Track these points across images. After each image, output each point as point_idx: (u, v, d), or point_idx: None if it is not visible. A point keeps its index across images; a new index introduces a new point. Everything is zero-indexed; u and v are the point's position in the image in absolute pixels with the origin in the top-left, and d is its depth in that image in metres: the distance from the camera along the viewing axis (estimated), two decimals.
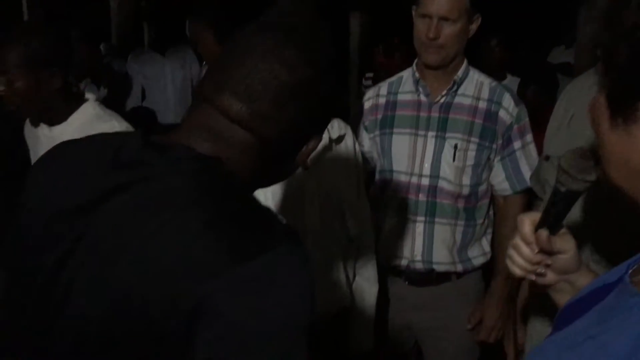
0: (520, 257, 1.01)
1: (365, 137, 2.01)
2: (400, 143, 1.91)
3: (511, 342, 1.82)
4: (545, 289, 1.02)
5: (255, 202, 0.82)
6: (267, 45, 0.84)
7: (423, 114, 1.90)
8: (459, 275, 1.94)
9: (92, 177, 0.82)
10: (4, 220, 1.00)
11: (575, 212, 1.11)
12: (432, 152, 1.87)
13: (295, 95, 0.84)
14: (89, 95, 1.85)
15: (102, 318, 0.76)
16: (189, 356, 0.71)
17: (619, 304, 0.66)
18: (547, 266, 1.00)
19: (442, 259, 1.90)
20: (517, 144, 1.89)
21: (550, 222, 0.98)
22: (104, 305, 0.75)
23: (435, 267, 1.91)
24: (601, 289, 0.72)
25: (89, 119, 1.77)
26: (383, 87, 2.01)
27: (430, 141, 1.88)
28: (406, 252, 1.92)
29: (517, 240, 1.01)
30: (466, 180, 1.87)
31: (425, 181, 1.88)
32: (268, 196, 1.64)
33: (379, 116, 1.97)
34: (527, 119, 1.91)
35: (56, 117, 1.79)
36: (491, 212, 1.99)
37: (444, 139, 1.86)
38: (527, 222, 1.00)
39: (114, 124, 1.76)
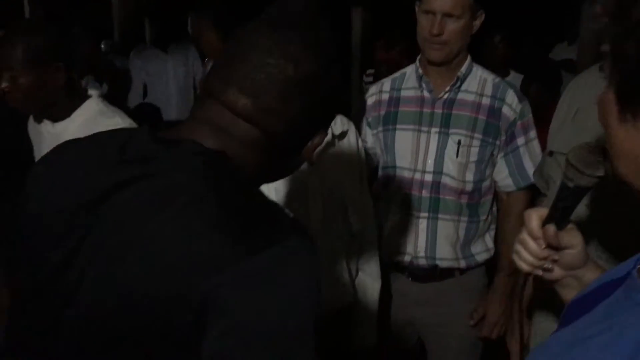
0: (528, 253, 1.01)
1: (368, 133, 2.01)
2: (404, 139, 1.91)
3: (514, 338, 1.82)
4: (551, 284, 1.02)
5: (262, 196, 0.83)
6: (272, 40, 0.84)
7: (426, 110, 1.90)
8: (462, 271, 1.94)
9: (98, 174, 0.83)
10: (8, 217, 1.00)
11: (582, 208, 1.11)
12: (435, 148, 1.87)
13: (301, 90, 0.84)
14: (92, 92, 1.85)
15: (108, 315, 0.76)
16: (196, 351, 0.71)
17: (626, 300, 0.66)
18: (554, 261, 1.00)
19: (445, 255, 1.91)
20: (520, 140, 1.89)
21: (558, 217, 0.98)
22: (111, 302, 0.75)
23: (438, 263, 1.91)
24: (608, 285, 0.72)
25: (93, 116, 1.77)
26: (386, 83, 2.01)
27: (434, 137, 1.87)
28: (409, 248, 1.92)
29: (524, 236, 1.01)
30: (469, 176, 1.87)
31: (428, 177, 1.88)
32: (271, 192, 1.64)
33: (382, 112, 1.97)
34: (530, 115, 1.90)
35: (59, 114, 1.78)
36: (494, 209, 1.99)
37: (447, 135, 1.86)
38: (535, 217, 1.00)
39: (118, 121, 1.76)
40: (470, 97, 1.88)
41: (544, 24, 5.58)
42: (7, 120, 1.96)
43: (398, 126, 1.93)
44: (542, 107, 2.68)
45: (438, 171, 1.87)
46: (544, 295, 1.41)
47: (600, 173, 0.92)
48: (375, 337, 1.92)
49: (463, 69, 1.88)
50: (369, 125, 2.01)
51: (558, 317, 1.35)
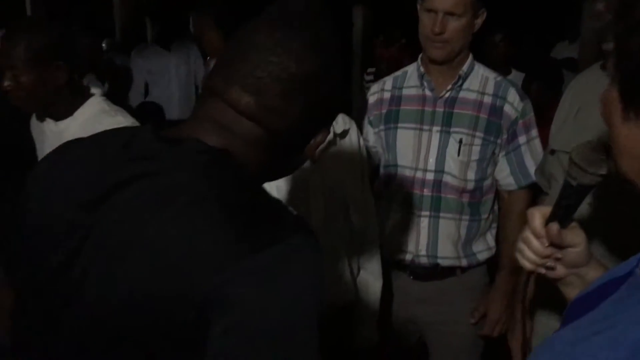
0: (531, 251, 1.01)
1: (370, 131, 2.01)
2: (405, 138, 1.91)
3: (515, 336, 1.82)
4: (554, 282, 1.03)
5: (266, 194, 0.83)
6: (274, 38, 0.84)
7: (428, 109, 1.90)
8: (463, 269, 1.94)
9: (100, 172, 0.82)
10: (8, 217, 1.00)
11: (585, 206, 1.11)
12: (437, 146, 1.87)
13: (304, 88, 0.84)
14: (94, 91, 1.85)
15: (110, 314, 0.76)
16: (198, 351, 0.71)
17: (629, 297, 0.66)
18: (557, 260, 1.00)
19: (446, 254, 1.91)
20: (522, 139, 1.89)
21: (561, 215, 0.98)
22: (113, 301, 0.75)
23: (439, 261, 1.91)
24: (611, 283, 0.72)
25: (95, 114, 1.77)
26: (388, 82, 2.01)
27: (435, 136, 1.88)
28: (411, 246, 1.92)
29: (528, 234, 1.01)
30: (471, 175, 1.87)
31: (430, 176, 1.88)
32: (273, 190, 1.65)
33: (384, 111, 1.97)
34: (532, 114, 1.91)
35: (62, 112, 1.79)
36: (496, 207, 1.99)
37: (448, 133, 1.86)
38: (538, 215, 1.00)
39: (120, 119, 1.76)
40: (472, 96, 1.88)
41: (545, 22, 5.58)
42: (10, 118, 1.96)
43: (400, 125, 1.93)
44: (544, 105, 2.69)
45: (439, 170, 1.87)
46: (545, 293, 1.41)
47: (604, 171, 0.92)
48: (376, 335, 1.93)
49: (465, 67, 1.88)
50: (370, 123, 2.01)
51: (559, 315, 1.35)
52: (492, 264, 2.00)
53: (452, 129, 1.86)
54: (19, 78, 1.68)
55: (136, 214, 0.77)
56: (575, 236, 0.98)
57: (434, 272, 1.93)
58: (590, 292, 0.77)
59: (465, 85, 1.88)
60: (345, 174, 1.81)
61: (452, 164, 1.86)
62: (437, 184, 1.88)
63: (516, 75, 3.57)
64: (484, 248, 1.96)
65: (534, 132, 1.91)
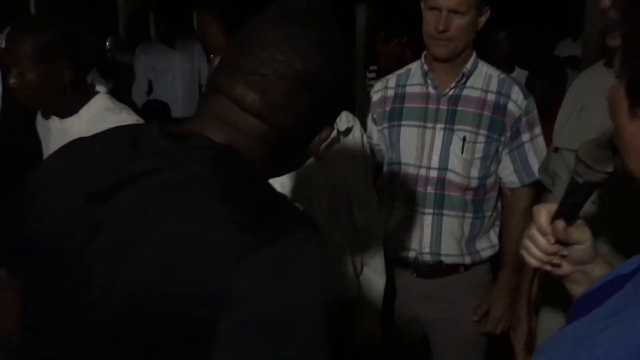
0: (536, 248, 1.01)
1: (373, 129, 2.01)
2: (409, 135, 1.92)
3: (518, 334, 1.82)
4: (560, 279, 1.03)
5: (271, 189, 0.83)
6: (279, 35, 0.84)
7: (431, 106, 1.90)
8: (467, 267, 1.95)
9: (107, 169, 0.83)
10: (15, 214, 1.01)
11: (590, 203, 1.11)
12: (440, 144, 1.88)
13: (309, 85, 0.85)
14: (99, 88, 1.86)
15: (118, 311, 0.76)
16: (206, 346, 0.71)
17: (635, 295, 0.66)
18: (563, 257, 1.00)
19: (450, 251, 1.91)
20: (525, 137, 1.89)
21: (567, 213, 0.99)
22: (120, 298, 0.76)
23: (443, 259, 1.92)
24: (617, 280, 0.72)
25: (100, 112, 1.78)
26: (391, 80, 2.01)
27: (439, 133, 1.88)
28: (414, 244, 1.93)
29: (533, 231, 1.02)
30: (474, 172, 1.88)
31: (433, 173, 1.88)
32: (277, 186, 1.64)
33: (387, 108, 1.97)
34: (535, 112, 1.91)
35: (67, 110, 1.79)
36: (499, 205, 1.99)
37: (452, 131, 1.87)
38: (544, 212, 1.01)
39: (124, 117, 1.76)
40: (476, 94, 1.88)
41: (549, 20, 5.57)
42: (16, 116, 1.97)
43: (403, 122, 1.93)
44: (547, 103, 2.68)
45: (443, 167, 1.87)
46: (549, 290, 1.41)
47: (610, 169, 0.93)
48: (379, 332, 1.93)
49: (468, 65, 1.88)
50: (374, 121, 2.01)
51: (563, 313, 1.36)
52: (495, 262, 2.00)
53: (455, 127, 1.86)
54: (25, 76, 1.68)
55: (142, 210, 0.77)
56: (581, 233, 0.99)
57: (438, 269, 1.93)
58: (596, 289, 0.78)
59: (468, 83, 1.89)
60: (348, 171, 1.81)
61: (455, 162, 1.87)
62: (441, 182, 1.88)
63: (520, 73, 3.56)
64: (487, 246, 1.96)
65: (538, 129, 1.91)
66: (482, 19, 1.85)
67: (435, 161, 1.88)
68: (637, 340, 0.59)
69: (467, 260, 1.93)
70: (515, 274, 1.88)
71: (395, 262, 1.98)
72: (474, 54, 1.90)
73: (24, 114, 1.93)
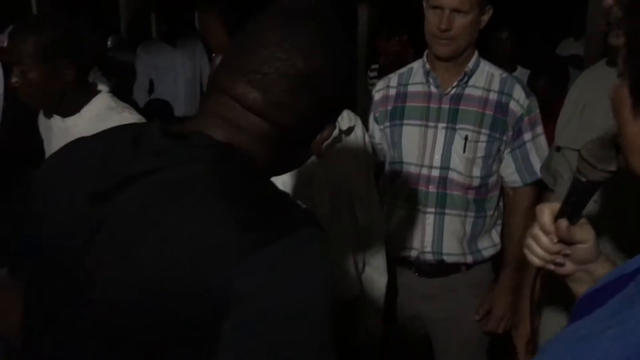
0: (539, 247, 1.01)
1: (375, 128, 2.01)
2: (411, 134, 1.92)
3: (519, 333, 1.82)
4: (563, 278, 1.03)
5: (274, 188, 0.83)
6: (281, 34, 0.84)
7: (433, 105, 1.90)
8: (468, 266, 1.95)
9: (109, 168, 0.83)
10: (17, 212, 1.01)
11: (593, 203, 1.11)
12: (442, 143, 1.88)
13: (311, 84, 0.85)
14: (101, 87, 1.86)
15: (121, 311, 0.76)
16: (208, 345, 0.71)
17: (638, 294, 0.66)
18: (566, 256, 1.00)
19: (452, 250, 1.91)
20: (527, 136, 1.89)
21: (570, 212, 0.99)
22: (125, 294, 0.76)
23: (445, 258, 1.92)
24: (620, 279, 0.72)
25: (102, 111, 1.78)
26: (393, 79, 2.01)
27: (441, 132, 1.88)
28: (416, 243, 1.93)
29: (536, 230, 1.02)
30: (476, 171, 1.88)
31: (435, 172, 1.88)
32: (278, 186, 1.65)
33: (389, 107, 1.97)
34: (537, 111, 1.91)
35: (69, 109, 1.79)
36: (501, 204, 1.99)
37: (454, 130, 1.87)
38: (547, 212, 1.01)
39: (127, 116, 1.77)
40: (478, 93, 1.88)
41: (551, 19, 5.56)
42: (18, 115, 1.97)
43: (405, 121, 1.93)
44: (549, 102, 2.68)
45: (445, 166, 1.87)
46: (551, 290, 1.41)
47: (613, 168, 0.92)
48: (381, 331, 1.93)
49: (470, 64, 1.88)
50: (376, 120, 2.01)
51: (566, 312, 1.35)
52: (497, 261, 2.00)
53: (457, 126, 1.86)
54: (27, 74, 1.68)
55: (144, 210, 0.77)
56: (584, 232, 0.99)
57: (439, 268, 1.93)
58: (599, 289, 0.77)
59: (470, 82, 1.89)
60: (350, 170, 1.81)
61: (457, 161, 1.87)
62: (443, 181, 1.88)
63: (521, 72, 3.56)
64: (489, 245, 1.96)
65: (540, 128, 1.91)
66: (485, 18, 1.85)
67: (437, 160, 1.88)
68: (639, 340, 0.59)
69: (469, 259, 1.93)
70: (517, 273, 1.88)
71: (397, 261, 1.98)
72: (476, 53, 1.90)
73: (25, 113, 1.93)
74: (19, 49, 1.68)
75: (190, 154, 0.80)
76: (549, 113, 2.08)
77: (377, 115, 2.01)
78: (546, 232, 1.01)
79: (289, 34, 0.84)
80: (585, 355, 0.63)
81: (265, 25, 0.86)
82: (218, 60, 0.91)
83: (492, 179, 1.92)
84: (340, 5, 1.17)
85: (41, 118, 1.94)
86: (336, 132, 1.73)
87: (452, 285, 1.95)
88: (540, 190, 1.87)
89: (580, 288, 0.97)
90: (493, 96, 1.87)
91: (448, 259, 1.92)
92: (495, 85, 1.88)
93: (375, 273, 1.89)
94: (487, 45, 3.35)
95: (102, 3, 6.28)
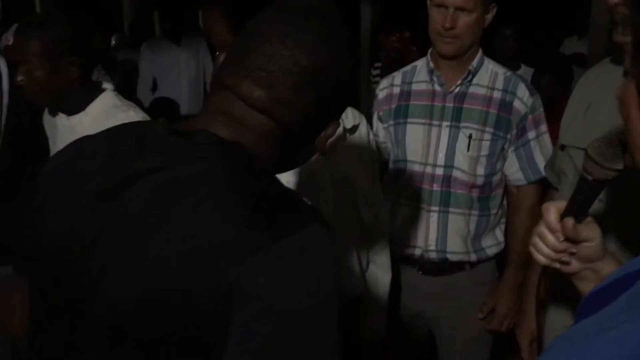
0: (545, 246, 1.01)
1: (379, 127, 2.01)
2: (415, 133, 1.92)
3: (523, 331, 1.82)
4: (569, 277, 1.03)
5: (280, 185, 0.83)
6: (285, 31, 0.84)
7: (437, 104, 1.90)
8: (472, 264, 1.95)
9: (115, 165, 0.83)
10: (23, 210, 1.01)
11: (599, 201, 1.11)
12: (446, 141, 1.88)
13: (315, 81, 0.85)
14: (106, 85, 1.86)
15: (130, 305, 0.76)
16: (219, 340, 0.71)
17: None
18: (572, 254, 1.00)
19: (456, 249, 1.91)
20: (531, 134, 1.89)
21: (576, 210, 0.99)
22: (132, 293, 0.76)
23: (449, 256, 1.92)
24: (626, 277, 0.72)
25: (107, 109, 1.78)
26: (397, 77, 2.01)
27: (445, 131, 1.88)
28: (420, 241, 1.93)
29: (542, 229, 1.02)
30: (480, 170, 1.88)
31: (439, 171, 1.88)
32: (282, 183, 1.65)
33: (393, 106, 1.97)
34: (541, 109, 1.91)
35: (74, 107, 1.80)
36: (505, 202, 1.99)
37: (458, 128, 1.87)
38: (553, 210, 1.01)
39: (132, 114, 1.77)
40: (482, 91, 1.88)
41: (555, 17, 5.55)
42: (23, 112, 1.97)
43: (409, 120, 1.93)
44: (553, 100, 2.68)
45: (449, 165, 1.87)
46: (556, 288, 1.41)
47: (620, 166, 0.92)
48: (385, 328, 1.93)
49: (474, 62, 1.88)
50: (380, 119, 2.01)
51: (571, 310, 1.35)
52: (501, 259, 2.00)
53: (461, 124, 1.86)
54: (33, 73, 1.69)
55: (153, 207, 0.77)
56: (590, 231, 0.99)
57: (443, 267, 1.93)
58: (605, 287, 0.77)
59: (474, 81, 1.89)
60: (355, 168, 1.81)
61: (461, 159, 1.87)
62: (447, 179, 1.88)
63: (525, 71, 3.56)
64: (493, 243, 1.96)
65: (544, 127, 1.91)
66: (489, 17, 1.85)
67: (441, 159, 1.88)
68: None
69: (473, 257, 1.93)
70: (520, 271, 1.89)
71: (401, 260, 1.98)
72: (480, 51, 1.90)
73: (31, 111, 1.94)
74: (24, 48, 1.69)
75: (196, 151, 0.81)
76: (553, 111, 2.08)
77: (381, 113, 2.01)
78: (552, 231, 1.01)
79: (293, 31, 0.84)
80: (593, 353, 0.63)
81: (269, 23, 0.86)
82: (221, 58, 0.91)
83: (496, 178, 1.92)
84: (343, 2, 1.18)
85: (46, 116, 1.95)
86: (340, 130, 1.73)
87: (456, 284, 1.95)
88: (544, 188, 1.87)
89: (586, 286, 0.97)
90: (497, 94, 1.87)
91: (452, 257, 1.92)
92: (499, 84, 1.88)
93: (379, 271, 1.90)
94: (491, 43, 3.35)
95: (105, 2, 6.29)
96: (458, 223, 1.90)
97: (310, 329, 0.73)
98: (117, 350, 0.79)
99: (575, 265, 1.01)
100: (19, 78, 1.70)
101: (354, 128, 1.80)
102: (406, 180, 1.94)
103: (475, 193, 1.89)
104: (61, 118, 1.84)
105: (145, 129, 0.87)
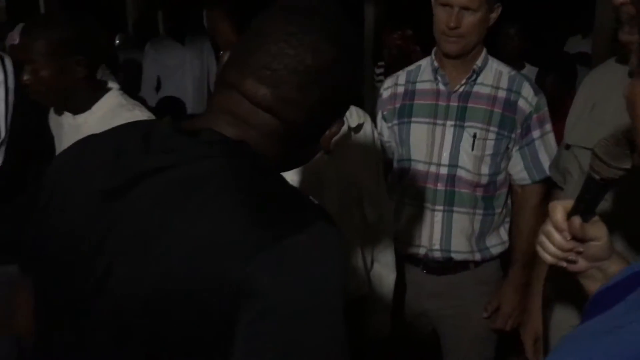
0: (552, 244, 1.01)
1: (384, 126, 2.01)
2: (419, 132, 1.92)
3: (527, 330, 1.82)
4: (575, 276, 1.03)
5: (286, 183, 0.83)
6: (290, 30, 0.84)
7: (442, 103, 1.90)
8: (477, 264, 1.95)
9: (121, 165, 0.83)
10: (28, 209, 1.01)
11: (604, 200, 1.11)
12: (450, 141, 1.88)
13: (320, 79, 0.85)
14: (112, 85, 1.87)
15: (137, 305, 0.76)
16: (226, 339, 0.71)
17: None
18: (579, 253, 1.00)
19: (460, 248, 1.91)
20: (536, 133, 1.89)
21: (583, 209, 0.99)
22: (139, 292, 0.76)
23: (453, 255, 1.92)
24: (634, 276, 0.72)
25: (113, 108, 1.79)
26: (401, 76, 2.01)
27: (449, 130, 1.88)
28: (424, 240, 1.93)
29: (549, 228, 1.02)
30: (485, 169, 1.88)
31: (443, 170, 1.88)
32: None
33: (397, 105, 1.97)
34: (546, 108, 1.90)
35: (80, 106, 1.80)
36: (509, 201, 1.99)
37: (462, 128, 1.87)
38: (560, 209, 1.01)
39: (137, 113, 1.77)
40: (486, 90, 1.88)
41: (559, 16, 5.54)
42: (29, 112, 1.98)
43: (413, 119, 1.93)
44: (558, 100, 2.68)
45: (453, 164, 1.87)
46: (561, 287, 1.41)
47: (627, 165, 0.92)
48: (389, 327, 1.94)
49: (479, 61, 1.88)
50: (384, 118, 2.01)
51: (575, 310, 1.35)
52: (505, 258, 2.00)
53: (466, 124, 1.86)
54: (39, 72, 1.69)
55: (156, 207, 0.77)
56: (597, 230, 0.99)
57: (448, 266, 1.93)
58: (611, 286, 0.77)
59: (479, 80, 1.88)
60: (359, 167, 1.81)
61: (466, 159, 1.87)
62: (451, 179, 1.88)
63: (529, 70, 3.55)
64: (497, 242, 1.96)
65: (548, 126, 1.90)
66: (494, 16, 1.84)
67: (445, 158, 1.88)
68: None
69: (477, 257, 1.93)
70: (525, 270, 1.89)
71: (405, 259, 1.98)
72: (485, 51, 1.90)
73: (36, 110, 1.94)
74: (30, 47, 1.69)
75: (201, 150, 0.81)
76: (557, 111, 2.08)
77: (385, 113, 2.01)
78: (559, 230, 1.01)
79: (297, 30, 0.84)
80: (600, 353, 0.63)
81: (273, 22, 0.86)
82: (225, 57, 0.91)
83: (501, 177, 1.92)
84: (346, 2, 1.18)
85: (52, 115, 1.95)
86: (345, 129, 1.73)
87: (461, 283, 1.95)
88: (548, 188, 1.87)
89: (593, 285, 0.97)
90: (501, 94, 1.87)
91: (456, 256, 1.92)
92: (504, 83, 1.88)
93: (384, 270, 1.90)
94: (495, 42, 3.35)
95: (109, 1, 6.30)
96: (462, 222, 1.90)
97: (317, 328, 0.73)
98: (123, 349, 0.79)
99: (581, 264, 1.01)
100: (25, 77, 1.71)
101: (359, 127, 1.80)
102: (410, 179, 1.94)
103: (479, 192, 1.89)
104: (67, 117, 1.84)
105: (151, 128, 0.87)
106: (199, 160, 0.79)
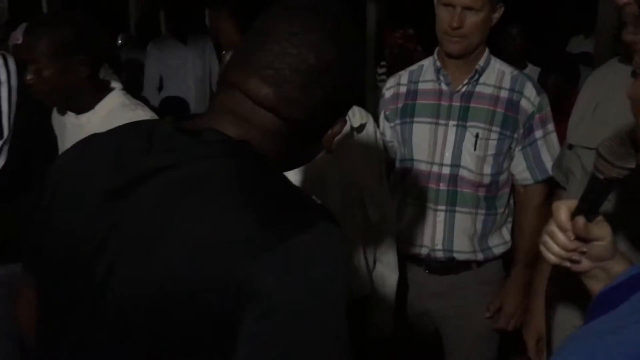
0: (556, 244, 1.01)
1: (386, 126, 2.01)
2: (421, 132, 1.91)
3: (530, 330, 1.82)
4: (579, 275, 1.03)
5: (289, 183, 0.83)
6: (292, 29, 0.84)
7: (444, 103, 1.90)
8: (479, 263, 1.94)
9: (123, 164, 0.83)
10: (32, 209, 1.01)
11: (608, 200, 1.11)
12: (453, 141, 1.87)
13: (322, 79, 0.85)
14: (115, 84, 1.87)
15: (140, 305, 0.76)
16: (230, 340, 0.71)
17: None
18: (582, 253, 1.00)
19: (462, 248, 1.91)
20: (538, 133, 1.88)
21: (587, 209, 0.99)
22: (143, 290, 0.76)
23: (455, 255, 1.92)
24: (637, 277, 0.72)
25: (115, 108, 1.79)
26: (403, 76, 2.01)
27: (452, 130, 1.88)
28: (427, 240, 1.93)
29: (553, 227, 1.02)
30: (487, 169, 1.88)
31: (446, 170, 1.88)
32: None
33: (400, 105, 1.97)
34: (548, 108, 1.90)
35: (83, 106, 1.81)
36: (512, 201, 1.99)
37: (465, 127, 1.86)
38: (564, 209, 1.01)
39: (140, 113, 1.77)
40: (489, 90, 1.88)
41: (561, 16, 5.54)
42: (32, 111, 1.98)
43: (416, 119, 1.93)
44: (560, 99, 2.67)
45: (456, 164, 1.87)
46: (564, 287, 1.41)
47: (632, 165, 0.92)
48: (391, 327, 1.94)
49: (481, 61, 1.87)
50: (386, 118, 2.01)
51: (579, 309, 1.35)
52: (507, 258, 2.00)
53: (468, 123, 1.86)
54: (42, 72, 1.69)
55: (159, 207, 0.77)
56: (601, 230, 0.99)
57: (450, 266, 1.93)
58: (615, 287, 0.77)
59: (481, 80, 1.88)
60: (362, 167, 1.81)
61: (468, 158, 1.86)
62: (453, 178, 1.88)
63: (532, 70, 3.55)
64: (499, 242, 1.96)
65: (551, 126, 1.90)
66: (496, 16, 1.84)
67: (447, 158, 1.88)
68: None
69: (480, 257, 1.93)
70: (527, 270, 1.89)
71: (408, 259, 1.98)
72: (487, 51, 1.90)
73: (39, 110, 1.95)
74: (33, 47, 1.69)
75: (203, 150, 0.81)
76: (560, 110, 2.08)
77: (387, 112, 2.01)
78: (563, 230, 1.00)
79: (301, 29, 0.84)
80: (604, 353, 0.63)
81: (276, 22, 0.86)
82: (228, 57, 0.91)
83: (503, 177, 1.92)
84: (349, 1, 1.18)
85: (55, 115, 1.95)
86: (348, 129, 1.73)
87: (463, 283, 1.95)
88: (551, 188, 1.86)
89: (596, 285, 0.97)
90: (504, 94, 1.87)
91: (459, 256, 1.92)
92: (506, 83, 1.88)
93: (386, 270, 1.90)
94: (497, 42, 3.35)
95: (111, 1, 6.31)
96: (465, 222, 1.90)
97: (320, 328, 0.73)
98: (125, 349, 0.79)
99: (585, 264, 1.01)
100: (28, 77, 1.71)
101: (361, 127, 1.80)
102: (413, 179, 1.94)
103: (482, 192, 1.89)
104: (70, 117, 1.85)
105: (153, 128, 0.87)
106: (201, 160, 0.79)
